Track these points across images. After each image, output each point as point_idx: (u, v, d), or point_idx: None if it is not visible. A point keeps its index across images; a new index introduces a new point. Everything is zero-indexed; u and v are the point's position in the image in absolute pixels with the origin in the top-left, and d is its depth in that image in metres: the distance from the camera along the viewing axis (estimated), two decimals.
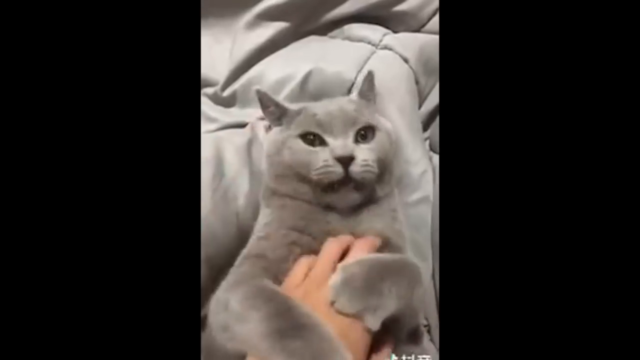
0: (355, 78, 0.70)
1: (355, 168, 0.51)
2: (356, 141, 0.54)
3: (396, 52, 0.73)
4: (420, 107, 0.76)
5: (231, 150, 0.65)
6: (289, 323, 0.42)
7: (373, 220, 0.55)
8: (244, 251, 0.55)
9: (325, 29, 0.78)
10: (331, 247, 0.51)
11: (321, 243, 0.52)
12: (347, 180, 0.51)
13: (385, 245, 0.54)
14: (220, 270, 0.55)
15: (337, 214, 0.55)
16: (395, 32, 0.77)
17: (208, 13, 0.78)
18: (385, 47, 0.74)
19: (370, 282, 0.45)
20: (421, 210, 0.68)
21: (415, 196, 0.67)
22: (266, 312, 0.44)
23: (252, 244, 0.55)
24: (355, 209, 0.55)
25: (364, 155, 0.52)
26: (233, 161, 0.65)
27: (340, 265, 0.48)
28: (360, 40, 0.75)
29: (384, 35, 0.75)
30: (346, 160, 0.51)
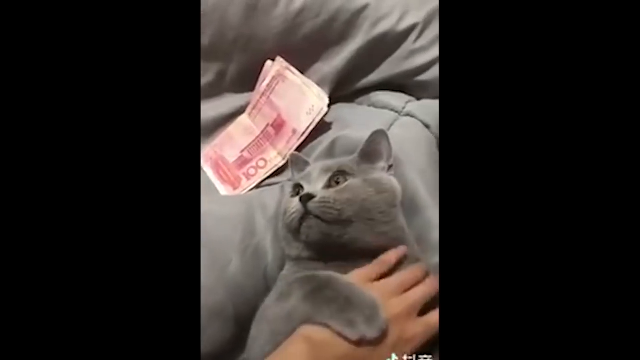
0: None
1: (312, 204, 0.54)
2: (328, 186, 0.58)
3: (418, 119, 0.78)
4: None
5: (260, 211, 0.71)
6: (325, 287, 0.49)
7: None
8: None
9: (352, 96, 0.84)
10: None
11: None
12: (307, 215, 0.54)
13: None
14: (248, 326, 0.59)
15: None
16: (417, 98, 0.83)
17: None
18: (408, 114, 0.79)
19: None
20: None
21: (436, 259, 0.69)
22: (308, 286, 0.50)
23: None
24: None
25: (326, 194, 0.56)
26: (262, 220, 0.70)
27: None
28: (384, 107, 0.81)
29: (407, 102, 0.80)
30: (305, 199, 0.54)
